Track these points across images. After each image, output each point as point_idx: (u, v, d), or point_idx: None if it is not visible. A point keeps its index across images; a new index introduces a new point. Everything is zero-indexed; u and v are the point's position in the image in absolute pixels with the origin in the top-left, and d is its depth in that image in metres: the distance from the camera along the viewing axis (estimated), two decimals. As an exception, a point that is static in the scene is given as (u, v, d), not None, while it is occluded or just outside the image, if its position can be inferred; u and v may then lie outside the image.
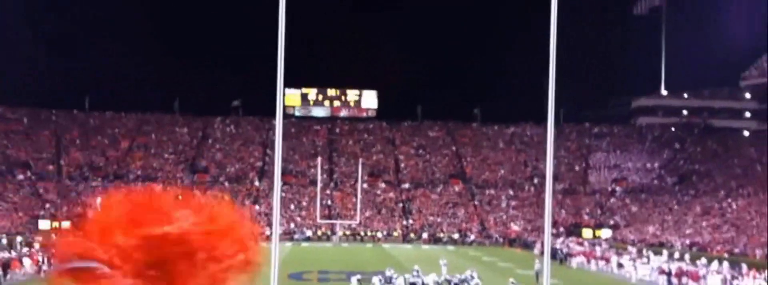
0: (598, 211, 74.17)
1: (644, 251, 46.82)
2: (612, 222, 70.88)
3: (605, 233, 66.83)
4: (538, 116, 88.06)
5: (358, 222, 66.77)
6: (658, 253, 45.83)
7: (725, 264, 37.90)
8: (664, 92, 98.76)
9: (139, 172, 78.32)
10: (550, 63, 14.24)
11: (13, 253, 38.68)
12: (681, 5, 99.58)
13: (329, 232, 67.02)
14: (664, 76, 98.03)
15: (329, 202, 73.73)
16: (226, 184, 77.47)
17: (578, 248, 51.36)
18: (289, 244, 60.35)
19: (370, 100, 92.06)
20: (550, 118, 14.38)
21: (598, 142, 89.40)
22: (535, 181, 79.98)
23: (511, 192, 77.84)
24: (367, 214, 71.46)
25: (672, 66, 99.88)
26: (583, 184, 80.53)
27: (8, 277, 33.61)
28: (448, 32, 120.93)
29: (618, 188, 78.91)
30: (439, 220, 71.80)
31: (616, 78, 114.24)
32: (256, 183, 77.80)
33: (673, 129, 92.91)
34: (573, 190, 78.46)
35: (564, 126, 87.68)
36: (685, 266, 37.49)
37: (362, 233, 67.73)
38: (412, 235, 68.02)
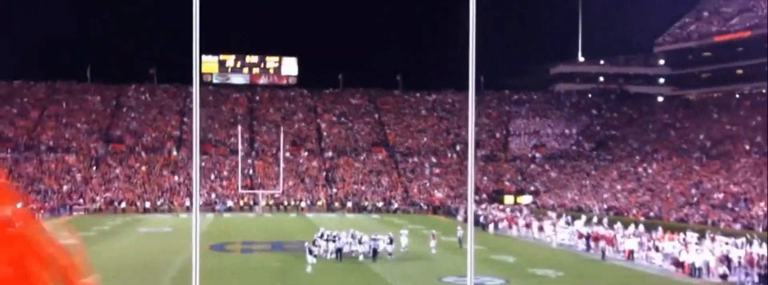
0: (519, 178, 75.29)
1: (564, 216, 47.72)
2: (532, 188, 72.08)
3: (526, 199, 67.95)
4: (459, 84, 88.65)
5: (280, 192, 65.96)
6: (576, 217, 46.85)
7: (641, 227, 39.02)
8: (581, 59, 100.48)
9: (50, 143, 75.19)
10: (470, 30, 14.03)
11: None
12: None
13: (252, 203, 65.98)
14: (581, 42, 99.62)
15: (251, 172, 72.55)
16: (143, 154, 75.25)
17: (500, 214, 51.99)
18: (210, 215, 59.21)
19: (290, 67, 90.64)
20: (471, 86, 14.13)
21: (518, 109, 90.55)
22: (458, 148, 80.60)
23: (434, 159, 78.19)
24: (290, 183, 70.64)
25: (589, 32, 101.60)
26: (504, 150, 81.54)
27: None
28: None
29: (538, 154, 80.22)
30: (363, 188, 71.59)
31: (534, 45, 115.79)
32: (174, 153, 75.82)
33: (590, 95, 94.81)
34: (494, 156, 79.36)
35: (485, 93, 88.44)
36: (603, 230, 38.32)
37: (285, 203, 66.98)
38: (336, 204, 67.62)
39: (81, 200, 65.01)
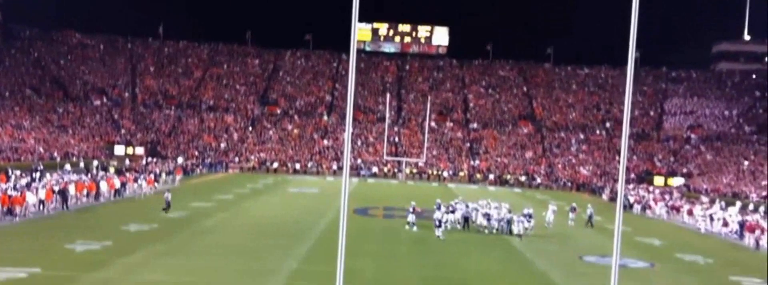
0: (671, 159, 72.38)
1: (717, 201, 45.60)
2: (685, 170, 69.11)
3: (677, 181, 65.26)
4: (612, 58, 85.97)
5: (424, 160, 66.74)
6: (731, 204, 44.64)
7: (803, 218, 36.65)
8: (747, 37, 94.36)
9: (211, 103, 79.55)
10: (633, 2, 13.26)
11: (90, 176, 39.92)
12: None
13: (395, 170, 67.23)
14: (748, 20, 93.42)
15: (396, 140, 73.80)
16: (296, 117, 78.14)
17: (648, 196, 50.34)
18: (355, 180, 61.02)
19: (441, 36, 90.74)
20: (630, 62, 13.50)
21: (675, 87, 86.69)
22: (607, 125, 78.35)
23: (581, 135, 76.45)
24: (434, 152, 71.34)
25: (757, 9, 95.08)
26: (657, 130, 78.50)
27: (84, 200, 34.74)
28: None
29: (693, 135, 76.66)
30: (505, 161, 71.22)
31: (696, 20, 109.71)
32: (325, 117, 78.23)
33: (754, 76, 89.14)
34: (646, 135, 76.59)
35: (641, 69, 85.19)
36: (759, 218, 36.34)
37: (428, 172, 67.78)
38: (478, 175, 67.69)
39: (236, 159, 68.57)
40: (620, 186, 14.42)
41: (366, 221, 33.45)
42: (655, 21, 78.86)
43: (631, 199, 48.00)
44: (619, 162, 61.84)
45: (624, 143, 13.35)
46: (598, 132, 77.29)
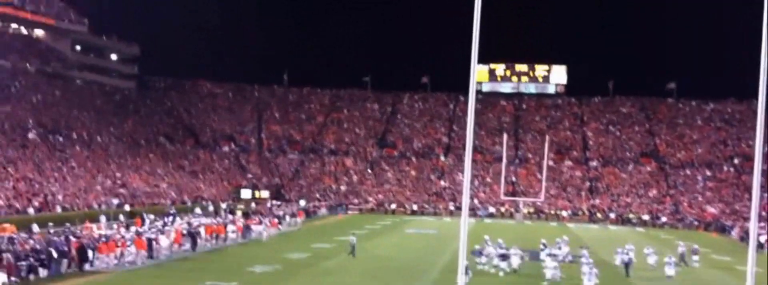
0: (807, 196, 68.47)
1: None
2: (823, 207, 65.18)
3: (815, 219, 61.59)
4: (739, 92, 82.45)
5: (542, 200, 66.11)
6: None
7: None
8: None
9: (332, 146, 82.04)
10: (764, 33, 12.91)
11: (219, 219, 42.17)
12: None
13: (513, 210, 66.94)
14: None
15: (513, 179, 73.54)
16: (413, 159, 79.36)
17: (781, 235, 47.96)
18: (472, 220, 61.05)
19: (559, 75, 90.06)
20: (761, 95, 13.24)
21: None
22: (735, 161, 75.22)
23: (708, 172, 73.73)
24: (552, 192, 70.59)
25: None
26: (791, 165, 74.57)
27: (213, 242, 36.69)
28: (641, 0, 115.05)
29: (832, 171, 72.27)
30: (628, 199, 69.53)
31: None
32: (442, 158, 79.04)
33: None
34: (778, 172, 72.86)
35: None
36: None
37: (546, 211, 67.07)
38: (598, 214, 66.37)
39: (356, 200, 70.22)
40: (752, 224, 13.80)
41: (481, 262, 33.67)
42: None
43: (763, 239, 45.93)
44: (749, 199, 59.09)
45: (756, 179, 13.05)
46: (725, 168, 74.33)
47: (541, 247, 34.22)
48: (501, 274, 29.21)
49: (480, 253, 31.07)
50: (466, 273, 23.73)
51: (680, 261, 33.96)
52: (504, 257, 29.91)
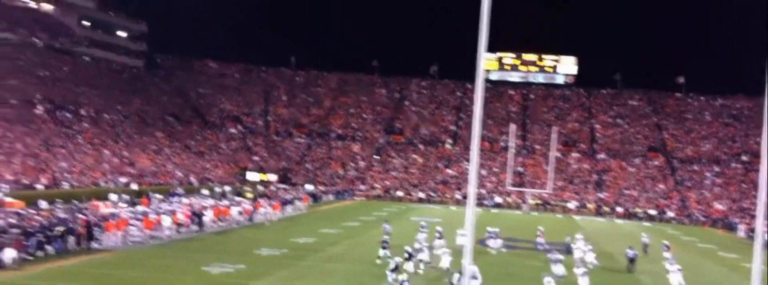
0: (815, 195, 68.20)
1: None
2: (830, 207, 64.88)
3: (822, 219, 61.34)
4: (749, 88, 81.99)
5: (548, 191, 65.86)
6: None
7: None
8: None
9: (339, 131, 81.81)
10: None
11: (226, 202, 42.06)
12: None
13: (519, 201, 66.74)
14: None
15: (520, 170, 73.31)
16: (420, 146, 79.11)
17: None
18: (478, 209, 60.86)
19: (568, 66, 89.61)
20: (767, 91, 13.22)
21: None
22: (744, 158, 74.89)
23: (715, 169, 73.44)
24: (559, 183, 70.35)
25: None
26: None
27: (218, 223, 36.60)
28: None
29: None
30: (635, 194, 69.28)
31: None
32: (449, 147, 78.77)
33: None
34: (787, 170, 72.56)
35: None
36: None
37: (553, 203, 66.85)
38: (605, 208, 66.13)
39: (362, 186, 70.07)
40: (759, 222, 13.80)
41: (487, 251, 33.53)
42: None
43: (770, 237, 45.74)
44: (756, 197, 58.89)
45: (763, 176, 12.91)
46: (733, 165, 74.00)
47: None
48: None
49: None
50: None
51: (643, 252, 34.40)
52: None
